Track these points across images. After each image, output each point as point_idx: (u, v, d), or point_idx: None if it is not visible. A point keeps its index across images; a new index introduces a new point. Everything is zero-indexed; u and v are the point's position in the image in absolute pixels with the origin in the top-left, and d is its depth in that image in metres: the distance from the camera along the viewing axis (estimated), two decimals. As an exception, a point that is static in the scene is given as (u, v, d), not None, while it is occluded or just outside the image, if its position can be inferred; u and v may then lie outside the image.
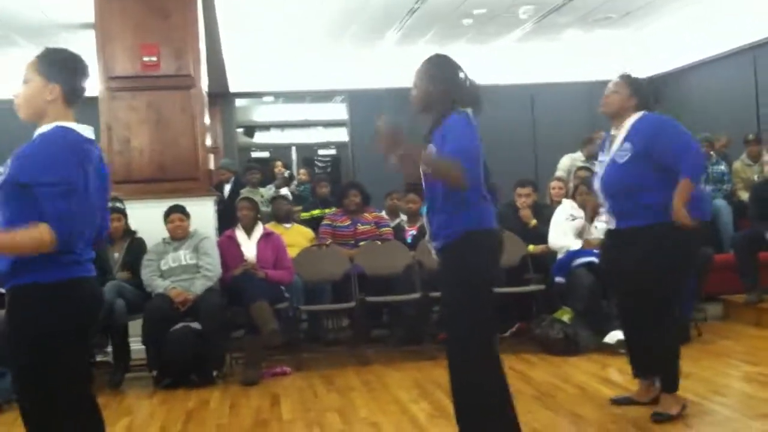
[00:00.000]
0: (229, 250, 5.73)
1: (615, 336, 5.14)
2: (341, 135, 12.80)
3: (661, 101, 3.90)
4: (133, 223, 5.76)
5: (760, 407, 3.95)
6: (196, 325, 5.18)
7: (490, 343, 3.09)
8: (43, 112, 2.49)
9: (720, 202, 7.26)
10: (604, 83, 4.07)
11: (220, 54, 8.82)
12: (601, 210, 4.03)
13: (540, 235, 6.12)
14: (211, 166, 6.75)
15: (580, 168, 7.31)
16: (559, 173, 7.74)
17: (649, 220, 3.73)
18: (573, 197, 6.09)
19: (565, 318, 5.51)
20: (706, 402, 4.05)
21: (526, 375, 4.92)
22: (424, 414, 4.16)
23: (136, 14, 6.00)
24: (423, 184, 3.19)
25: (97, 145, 2.60)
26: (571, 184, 6.76)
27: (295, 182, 10.38)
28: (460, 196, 3.01)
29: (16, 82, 2.53)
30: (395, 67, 10.70)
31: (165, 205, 5.66)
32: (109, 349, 5.44)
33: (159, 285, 5.31)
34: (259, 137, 13.71)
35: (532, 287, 5.95)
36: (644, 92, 3.91)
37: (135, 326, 5.34)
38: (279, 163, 10.74)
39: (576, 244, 5.73)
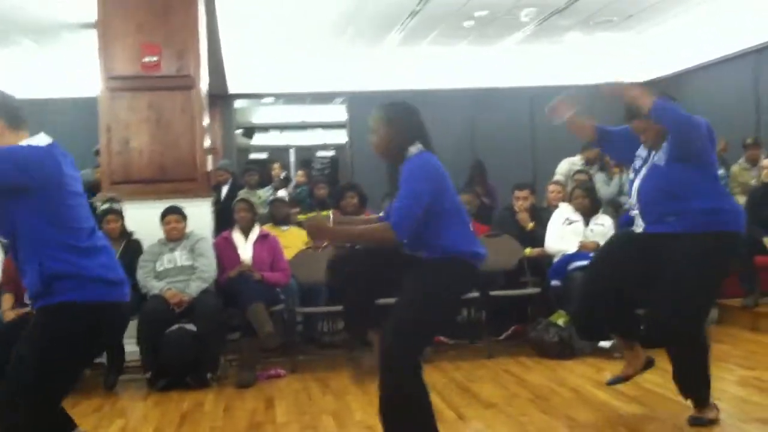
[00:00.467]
0: (225, 251, 5.73)
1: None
2: (340, 137, 12.79)
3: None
4: (133, 224, 5.74)
5: (755, 412, 3.95)
6: (191, 326, 5.17)
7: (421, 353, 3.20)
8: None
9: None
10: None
11: (219, 55, 8.82)
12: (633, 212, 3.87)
13: (537, 238, 6.12)
14: (210, 167, 6.74)
15: (578, 172, 7.33)
16: (557, 177, 7.73)
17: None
18: (570, 201, 6.09)
19: (561, 321, 5.50)
20: (700, 406, 4.04)
21: (522, 378, 4.92)
22: (418, 417, 4.15)
23: (139, 14, 5.99)
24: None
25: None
26: (569, 188, 6.76)
27: (292, 184, 10.34)
28: (432, 228, 3.05)
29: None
30: (396, 69, 10.75)
31: (165, 205, 5.66)
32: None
33: (154, 286, 5.30)
34: (258, 138, 13.69)
35: (528, 290, 5.95)
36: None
37: (130, 327, 5.29)
38: (276, 165, 10.65)
39: (572, 248, 5.73)
